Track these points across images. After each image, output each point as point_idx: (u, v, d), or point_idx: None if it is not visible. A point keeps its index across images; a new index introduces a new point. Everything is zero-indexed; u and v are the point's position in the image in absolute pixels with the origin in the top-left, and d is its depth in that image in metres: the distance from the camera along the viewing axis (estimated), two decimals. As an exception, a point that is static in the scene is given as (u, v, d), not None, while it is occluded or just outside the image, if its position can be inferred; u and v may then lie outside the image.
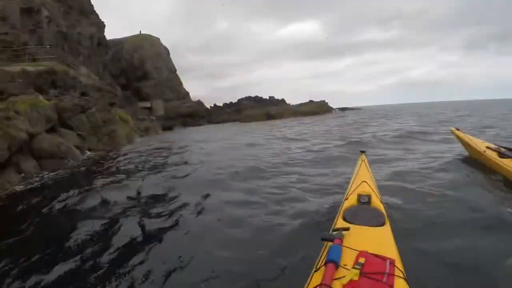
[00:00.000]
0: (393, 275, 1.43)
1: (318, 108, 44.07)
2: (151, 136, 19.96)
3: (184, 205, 3.88)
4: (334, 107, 51.75)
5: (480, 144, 4.56)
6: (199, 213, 3.63)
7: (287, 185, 4.43)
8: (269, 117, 37.98)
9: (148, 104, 40.90)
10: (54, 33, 18.66)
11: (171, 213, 3.62)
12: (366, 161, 3.42)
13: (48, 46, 16.46)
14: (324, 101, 48.83)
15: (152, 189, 4.77)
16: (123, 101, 26.38)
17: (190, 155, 8.85)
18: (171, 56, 50.55)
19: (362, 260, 1.49)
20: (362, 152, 3.71)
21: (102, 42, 29.31)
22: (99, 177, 6.34)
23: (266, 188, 4.38)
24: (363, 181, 2.67)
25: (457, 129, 5.34)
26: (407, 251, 1.92)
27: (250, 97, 52.61)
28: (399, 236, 1.99)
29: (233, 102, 51.85)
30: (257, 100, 51.27)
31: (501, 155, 3.93)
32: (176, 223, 3.35)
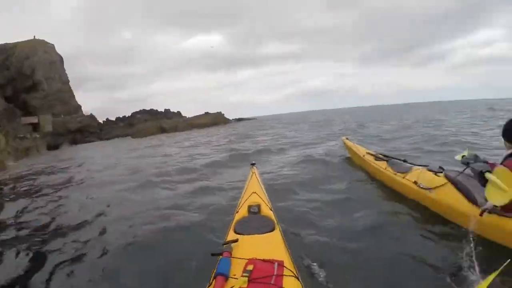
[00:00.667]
0: (282, 275, 1.52)
1: (214, 120, 45.33)
2: (32, 157, 17.75)
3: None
4: (232, 117, 53.72)
5: (362, 150, 5.20)
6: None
7: (179, 204, 4.30)
8: (163, 130, 37.43)
9: (34, 120, 36.62)
10: None
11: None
12: (256, 173, 3.55)
13: None
14: (220, 112, 50.15)
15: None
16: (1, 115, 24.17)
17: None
18: (69, 64, 45.97)
19: (250, 267, 1.53)
20: (253, 164, 3.85)
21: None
22: None
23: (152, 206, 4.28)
24: (253, 192, 2.77)
25: (347, 138, 6.25)
26: (299, 251, 2.10)
27: (144, 110, 51.38)
28: (289, 239, 2.19)
29: (126, 116, 49.51)
30: (152, 113, 50.07)
31: (377, 158, 4.46)
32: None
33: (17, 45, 42.20)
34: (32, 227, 4.04)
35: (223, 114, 50.87)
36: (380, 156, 4.50)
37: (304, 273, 1.72)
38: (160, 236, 3.14)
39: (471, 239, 2.14)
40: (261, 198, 2.68)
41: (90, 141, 36.30)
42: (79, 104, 47.53)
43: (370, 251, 2.48)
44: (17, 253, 3.18)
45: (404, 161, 3.99)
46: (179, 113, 54.85)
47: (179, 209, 4.00)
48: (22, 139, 22.21)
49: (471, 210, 2.44)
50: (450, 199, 2.75)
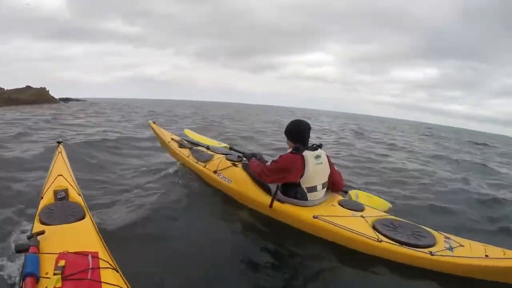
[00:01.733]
0: (99, 268, 1.39)
1: (37, 97, 36.16)
2: None
3: None
4: (58, 96, 44.49)
5: (167, 136, 5.03)
6: None
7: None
8: None
9: None
10: None
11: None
12: (63, 152, 3.15)
13: None
14: (44, 88, 39.65)
15: None
16: None
17: None
18: None
19: (62, 262, 1.39)
20: (59, 142, 3.44)
21: None
22: None
23: None
24: (59, 175, 2.50)
25: (154, 123, 5.70)
26: (113, 240, 1.90)
27: None
28: (103, 227, 2.09)
29: None
30: None
31: (180, 145, 4.45)
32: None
33: None
34: None
35: (48, 91, 40.05)
36: (185, 143, 4.52)
37: (122, 264, 1.56)
38: None
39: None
40: (68, 182, 2.42)
41: None
42: None
43: (175, 236, 2.50)
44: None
45: (207, 148, 4.09)
46: None
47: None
48: None
49: (264, 199, 2.73)
50: (247, 189, 2.95)
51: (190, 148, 4.19)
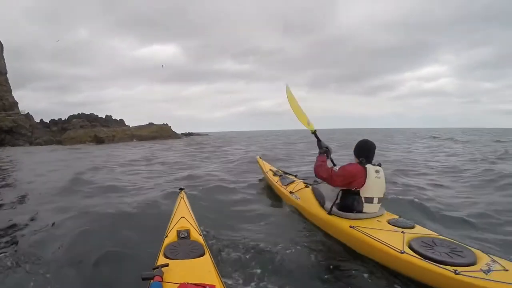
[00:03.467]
0: None
1: (159, 132, 38.55)
2: None
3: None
4: (179, 131, 47.90)
5: (267, 167, 5.81)
6: None
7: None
8: (99, 140, 31.45)
9: None
10: None
11: None
12: (185, 197, 3.53)
13: None
14: (166, 124, 42.80)
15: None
16: None
17: None
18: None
19: None
20: (181, 189, 3.83)
21: None
22: None
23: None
24: (182, 217, 2.77)
25: (260, 158, 6.61)
26: (230, 275, 2.28)
27: (83, 114, 43.72)
28: (221, 263, 2.37)
29: (63, 119, 42.78)
30: (91, 119, 42.91)
31: (274, 174, 5.18)
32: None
33: None
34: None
35: (170, 127, 43.70)
36: (280, 172, 5.27)
37: None
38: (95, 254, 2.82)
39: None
40: (190, 223, 2.69)
41: (18, 145, 30.50)
42: (15, 101, 40.15)
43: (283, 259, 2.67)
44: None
45: (296, 176, 4.90)
46: (121, 121, 47.86)
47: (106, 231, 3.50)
48: None
49: (320, 213, 3.24)
50: (310, 205, 3.54)
51: (280, 176, 5.04)
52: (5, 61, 40.21)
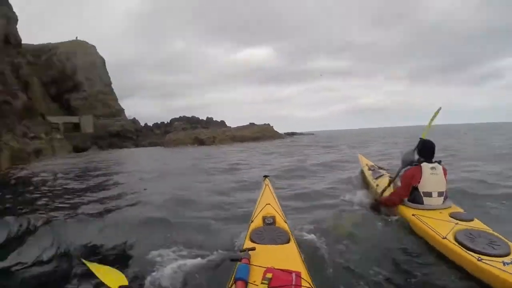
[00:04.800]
0: (300, 286, 1.60)
1: (260, 133, 36.19)
2: (41, 161, 15.21)
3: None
4: (280, 131, 45.61)
5: (365, 161, 6.15)
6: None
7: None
8: (200, 142, 31.86)
9: (75, 119, 37.64)
10: None
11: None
12: (269, 185, 3.69)
13: None
14: (268, 124, 40.95)
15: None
16: (22, 113, 22.24)
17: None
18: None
19: (269, 275, 1.63)
20: (266, 176, 4.02)
21: (11, 39, 25.10)
22: None
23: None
24: (267, 204, 2.88)
25: (361, 154, 7.23)
26: (314, 264, 2.21)
27: (185, 117, 47.89)
28: (306, 251, 2.27)
29: (166, 122, 47.09)
30: (192, 121, 46.54)
31: (369, 169, 5.45)
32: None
33: (59, 45, 42.91)
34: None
35: (272, 127, 43.79)
36: (374, 167, 5.60)
37: (319, 286, 1.77)
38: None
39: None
40: (275, 210, 2.78)
41: (124, 147, 33.98)
42: (121, 107, 46.36)
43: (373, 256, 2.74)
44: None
45: (387, 170, 5.21)
46: (222, 122, 50.19)
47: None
48: (33, 139, 19.52)
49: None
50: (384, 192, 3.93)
51: (373, 170, 5.37)
52: (109, 74, 46.14)
